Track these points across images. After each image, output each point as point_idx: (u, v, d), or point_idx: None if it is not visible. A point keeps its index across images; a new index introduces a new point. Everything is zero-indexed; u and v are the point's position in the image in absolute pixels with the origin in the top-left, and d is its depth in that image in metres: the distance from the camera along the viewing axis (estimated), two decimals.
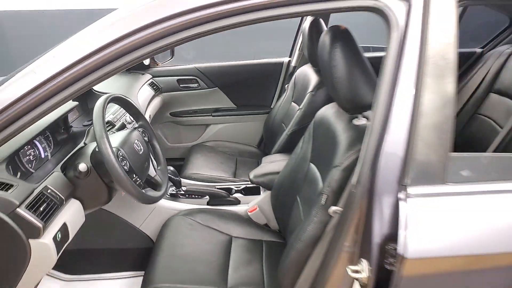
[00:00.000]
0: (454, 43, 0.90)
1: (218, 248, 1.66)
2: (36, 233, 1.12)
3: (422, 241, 0.87)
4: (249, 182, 2.03)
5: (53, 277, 1.88)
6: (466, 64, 2.53)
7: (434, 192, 0.90)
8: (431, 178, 0.90)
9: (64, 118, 1.62)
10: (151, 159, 1.58)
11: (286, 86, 2.63)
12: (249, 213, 1.92)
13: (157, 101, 2.65)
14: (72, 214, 1.30)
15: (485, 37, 2.53)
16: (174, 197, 2.03)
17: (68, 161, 1.39)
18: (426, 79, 0.90)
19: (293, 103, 2.34)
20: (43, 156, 1.45)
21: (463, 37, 2.56)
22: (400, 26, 0.92)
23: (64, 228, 1.24)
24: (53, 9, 4.68)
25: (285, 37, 2.90)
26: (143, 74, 2.70)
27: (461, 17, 2.48)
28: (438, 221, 0.88)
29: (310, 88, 2.07)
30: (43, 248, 1.14)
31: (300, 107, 2.10)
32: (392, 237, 0.91)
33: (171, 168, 1.97)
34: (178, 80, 2.82)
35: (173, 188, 2.04)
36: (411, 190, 0.89)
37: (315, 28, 2.10)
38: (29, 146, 1.38)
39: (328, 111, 1.48)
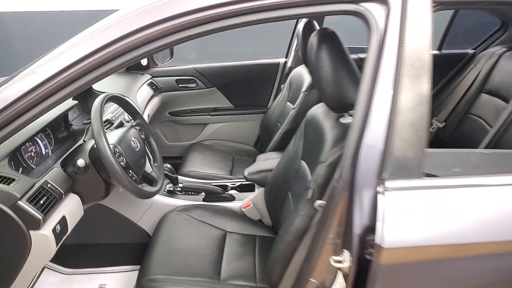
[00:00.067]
0: (429, 46, 0.95)
1: (213, 242, 1.71)
2: (36, 224, 1.18)
3: (398, 232, 0.92)
4: (245, 180, 2.08)
5: (53, 270, 1.94)
6: (458, 65, 2.58)
7: (410, 186, 0.95)
8: (408, 173, 0.95)
9: (64, 116, 1.68)
10: (147, 156, 1.64)
11: (282, 86, 2.69)
12: (243, 209, 1.98)
13: (156, 100, 2.71)
14: (71, 208, 1.36)
15: (478, 39, 2.58)
16: (171, 193, 2.08)
17: (68, 157, 1.45)
18: (403, 79, 0.95)
19: (288, 103, 2.40)
20: (44, 152, 1.51)
21: (456, 38, 2.63)
22: (380, 29, 0.97)
23: (63, 221, 1.30)
24: (55, 10, 4.73)
25: (285, 38, 2.96)
26: (142, 74, 2.76)
27: (453, 19, 2.54)
28: (413, 213, 0.94)
29: (304, 88, 2.12)
30: (43, 239, 1.20)
31: (294, 106, 2.16)
32: (371, 228, 0.96)
33: (168, 165, 2.03)
34: (176, 80, 2.88)
35: (170, 185, 2.10)
36: (388, 184, 0.94)
37: (308, 30, 2.15)
38: (30, 143, 1.44)
39: (318, 110, 1.53)
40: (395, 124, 0.95)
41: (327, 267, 1.08)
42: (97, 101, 1.41)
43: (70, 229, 1.36)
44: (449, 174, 0.97)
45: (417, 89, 0.95)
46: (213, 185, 2.13)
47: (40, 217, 1.18)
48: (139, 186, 1.44)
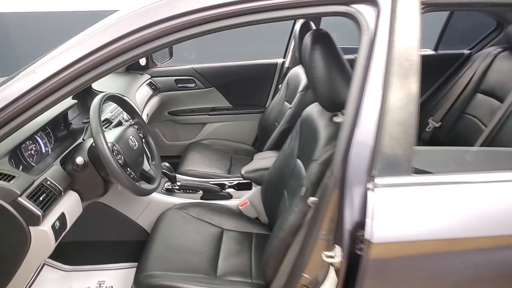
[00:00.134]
0: (417, 46, 0.98)
1: (210, 239, 1.74)
2: (35, 220, 1.21)
3: (386, 227, 0.95)
4: (242, 178, 2.11)
5: (53, 267, 1.97)
6: (454, 65, 2.61)
7: (399, 183, 0.98)
8: (397, 170, 0.98)
9: (64, 115, 1.71)
10: (145, 154, 1.66)
11: (279, 86, 2.72)
12: (240, 207, 2.00)
13: (155, 100, 2.74)
14: (70, 205, 1.39)
15: (474, 39, 2.60)
16: (169, 191, 2.11)
17: (67, 156, 1.48)
18: (392, 78, 0.97)
19: (285, 103, 2.43)
20: (44, 151, 1.54)
21: (452, 39, 2.65)
22: (370, 30, 1.00)
23: (62, 217, 1.32)
24: (56, 11, 4.77)
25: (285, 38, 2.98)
26: (142, 74, 2.79)
27: (448, 20, 2.56)
28: (402, 209, 0.96)
29: (300, 88, 2.15)
30: (42, 235, 1.23)
31: (291, 106, 2.19)
32: (361, 224, 0.98)
33: (167, 164, 2.06)
34: (175, 80, 2.91)
35: (169, 183, 2.13)
36: (378, 180, 0.97)
37: (304, 31, 2.18)
38: (30, 141, 1.47)
39: (313, 110, 1.56)
40: (384, 123, 0.97)
41: (320, 263, 1.10)
42: (96, 100, 1.44)
43: (69, 225, 1.39)
44: (437, 171, 1.00)
45: (406, 88, 0.98)
46: (211, 184, 2.16)
47: (40, 213, 1.20)
48: (137, 183, 1.46)
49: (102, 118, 1.83)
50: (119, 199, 1.98)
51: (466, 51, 2.61)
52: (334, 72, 1.24)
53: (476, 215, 0.95)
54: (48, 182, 1.31)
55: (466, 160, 1.03)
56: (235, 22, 0.99)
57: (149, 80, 2.77)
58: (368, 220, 0.95)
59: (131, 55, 1.04)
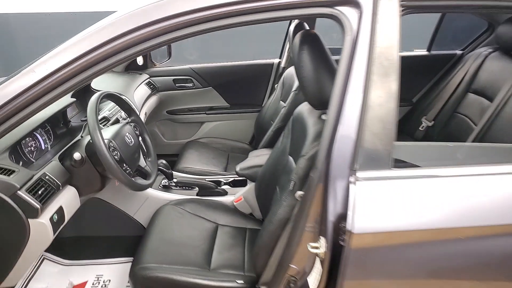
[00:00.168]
0: (397, 46, 1.03)
1: (205, 234, 1.79)
2: (34, 213, 1.26)
3: (367, 218, 1.00)
4: (237, 175, 2.16)
5: (53, 261, 2.02)
6: (447, 65, 2.65)
7: (380, 176, 1.02)
8: (378, 164, 1.03)
9: (63, 113, 1.77)
10: (141, 150, 1.72)
11: (275, 85, 2.77)
12: (234, 203, 2.05)
13: (153, 99, 2.79)
14: (68, 199, 1.44)
15: (466, 40, 2.65)
16: (166, 188, 2.16)
17: (65, 152, 1.54)
18: (373, 77, 1.02)
19: (281, 102, 2.48)
20: (43, 147, 1.59)
21: (446, 40, 2.70)
22: (353, 31, 1.05)
23: (60, 211, 1.38)
24: (58, 11, 4.82)
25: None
26: (140, 74, 2.84)
27: (441, 21, 2.61)
28: (382, 201, 1.01)
29: (294, 88, 2.20)
30: (41, 227, 1.29)
31: (285, 105, 2.24)
32: (344, 216, 1.03)
33: (163, 161, 2.11)
34: (174, 80, 2.96)
35: (166, 180, 2.18)
36: (359, 174, 1.02)
37: (297, 32, 2.22)
38: (30, 138, 1.53)
39: (303, 108, 1.61)
40: (365, 119, 1.02)
41: (307, 254, 1.15)
42: (93, 98, 1.49)
43: (67, 218, 1.44)
44: (416, 165, 1.05)
45: (386, 86, 1.02)
46: (207, 181, 2.21)
47: (38, 206, 1.26)
48: (133, 179, 1.52)
49: (100, 116, 1.88)
50: (117, 195, 2.03)
51: (459, 52, 2.65)
52: (321, 71, 1.29)
53: (452, 207, 1.00)
54: (46, 177, 1.36)
55: (444, 154, 1.08)
56: (222, 24, 1.04)
57: (148, 79, 2.82)
58: (349, 211, 1.00)
59: (126, 54, 1.08)
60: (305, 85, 1.31)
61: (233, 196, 2.11)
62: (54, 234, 1.35)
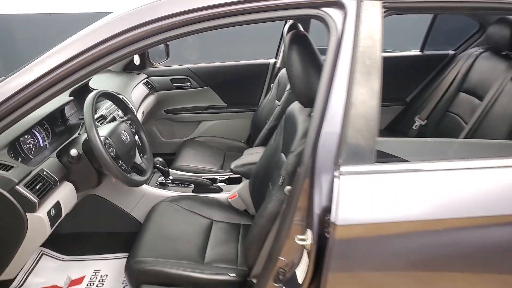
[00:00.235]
0: (379, 46, 1.07)
1: (199, 229, 1.83)
2: (32, 207, 1.31)
3: (349, 211, 1.04)
4: (232, 173, 2.20)
5: (51, 257, 2.06)
6: (440, 65, 2.70)
7: (363, 170, 1.06)
8: (361, 159, 1.07)
9: (61, 111, 1.81)
10: (137, 148, 1.76)
11: (271, 85, 2.81)
12: (229, 200, 2.10)
13: (151, 99, 2.84)
14: (65, 194, 1.49)
15: (458, 40, 2.69)
16: (162, 185, 2.21)
17: (63, 149, 1.58)
18: (356, 75, 1.07)
19: (276, 101, 2.52)
20: (41, 144, 1.64)
21: (437, 40, 2.74)
22: (338, 31, 1.09)
23: (57, 206, 1.43)
24: (57, 12, 4.87)
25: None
26: (138, 73, 2.89)
27: (433, 22, 2.66)
28: (364, 194, 1.05)
29: (288, 87, 2.24)
30: (38, 221, 1.33)
31: (279, 104, 2.28)
32: (329, 209, 1.07)
33: (160, 159, 2.16)
34: (171, 80, 3.01)
35: (162, 177, 2.22)
36: (343, 168, 1.06)
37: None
38: (29, 136, 1.57)
39: (295, 107, 1.66)
40: (349, 116, 1.06)
41: (295, 246, 1.19)
42: (90, 96, 1.54)
43: (64, 213, 1.48)
44: (398, 160, 1.09)
45: (369, 84, 1.07)
46: (203, 178, 2.25)
47: (36, 201, 1.30)
48: (128, 175, 1.56)
49: (98, 115, 1.93)
50: (115, 192, 2.07)
51: (451, 52, 2.70)
52: (310, 70, 1.34)
53: (431, 200, 1.04)
54: (44, 173, 1.41)
55: (424, 150, 1.12)
56: (210, 25, 1.08)
57: (146, 79, 2.87)
58: (333, 204, 1.04)
59: (121, 53, 1.13)
60: (294, 84, 1.36)
61: (228, 193, 2.16)
62: (51, 228, 1.39)
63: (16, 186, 1.28)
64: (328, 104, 1.08)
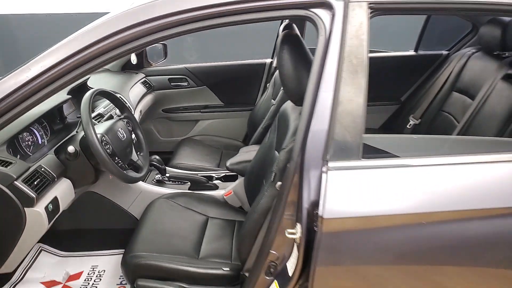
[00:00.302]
0: (365, 46, 1.10)
1: (195, 226, 1.86)
2: (30, 202, 1.34)
3: (336, 204, 1.07)
4: (228, 171, 2.24)
5: (50, 253, 2.10)
6: (433, 65, 2.73)
7: (349, 166, 1.10)
8: (347, 154, 1.10)
9: (59, 109, 1.85)
10: (134, 145, 1.80)
11: (267, 84, 2.85)
12: (224, 197, 2.13)
13: (149, 98, 2.88)
14: (62, 190, 1.52)
15: (452, 41, 2.73)
16: (159, 182, 2.25)
17: (61, 146, 1.62)
18: (343, 74, 1.10)
19: (272, 100, 2.56)
20: (40, 142, 1.68)
21: (431, 41, 2.77)
22: (326, 31, 1.13)
23: (55, 201, 1.46)
24: (58, 12, 4.90)
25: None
26: (136, 73, 2.93)
27: (426, 23, 2.69)
28: (351, 188, 1.09)
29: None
30: (37, 215, 1.37)
31: (274, 103, 2.32)
32: (317, 203, 1.11)
33: (157, 157, 2.19)
34: (169, 79, 3.05)
35: (159, 175, 2.26)
36: (331, 164, 1.09)
37: None
38: (28, 133, 1.61)
39: (288, 105, 1.69)
40: (336, 113, 1.10)
41: (285, 240, 1.23)
42: (87, 95, 1.58)
43: (62, 209, 1.52)
44: (384, 156, 1.12)
45: (355, 82, 1.10)
46: (199, 176, 2.29)
47: (34, 196, 1.34)
48: (125, 172, 1.60)
49: (95, 113, 1.97)
50: (112, 189, 2.11)
51: (445, 52, 2.73)
52: (300, 70, 1.37)
53: (416, 194, 1.08)
54: (42, 169, 1.44)
55: (409, 146, 1.16)
56: (202, 25, 1.12)
57: (144, 78, 2.91)
58: (321, 198, 1.08)
59: (117, 52, 1.17)
60: (286, 83, 1.39)
61: (224, 190, 2.19)
62: (49, 222, 1.43)
63: (15, 182, 1.31)
64: (317, 102, 1.12)
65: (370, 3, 1.11)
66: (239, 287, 1.55)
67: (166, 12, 1.13)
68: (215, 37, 4.61)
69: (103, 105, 2.10)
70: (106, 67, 2.84)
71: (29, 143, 1.61)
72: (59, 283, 1.94)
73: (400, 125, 2.77)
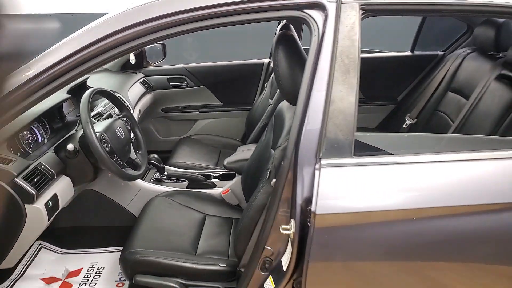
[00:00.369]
0: (357, 46, 1.13)
1: (192, 223, 1.89)
2: (30, 199, 1.37)
3: (329, 201, 1.10)
4: (226, 169, 2.27)
5: (50, 250, 2.13)
6: (429, 65, 2.76)
7: (342, 163, 1.13)
8: (340, 152, 1.13)
9: (59, 108, 1.88)
10: (132, 143, 1.83)
11: (265, 84, 2.88)
12: (222, 195, 2.16)
13: (148, 97, 2.91)
14: (62, 187, 1.55)
15: (448, 41, 2.76)
16: (158, 181, 2.27)
17: (60, 144, 1.65)
18: (335, 73, 1.13)
19: (270, 100, 2.58)
20: (40, 140, 1.71)
21: (427, 41, 2.80)
22: (319, 31, 1.16)
23: (54, 198, 1.49)
24: (59, 13, 4.93)
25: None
26: (136, 73, 2.95)
27: (422, 23, 2.72)
28: (343, 185, 1.12)
29: None
30: (37, 212, 1.40)
31: (272, 102, 2.35)
32: (311, 199, 1.14)
33: (155, 155, 2.22)
34: (168, 79, 3.08)
35: (157, 174, 2.29)
36: (324, 161, 1.12)
37: None
38: (28, 132, 1.64)
39: (284, 104, 1.72)
40: (329, 112, 1.13)
41: (280, 236, 1.26)
42: (86, 94, 1.61)
43: (61, 206, 1.55)
44: (375, 154, 1.15)
45: (347, 82, 1.13)
46: (197, 174, 2.32)
47: (34, 193, 1.37)
48: (123, 170, 1.63)
49: (95, 112, 2.00)
50: (111, 187, 2.14)
51: (440, 53, 2.76)
52: (295, 69, 1.40)
53: (406, 190, 1.11)
54: (42, 166, 1.47)
55: (400, 144, 1.19)
56: (196, 26, 1.15)
57: (143, 78, 2.93)
58: (314, 195, 1.11)
59: (115, 52, 1.20)
60: (281, 82, 1.42)
61: (221, 189, 2.22)
62: (49, 219, 1.46)
63: (15, 179, 1.34)
64: (310, 101, 1.15)
65: (362, 5, 1.14)
66: (236, 283, 1.58)
67: (164, 13, 1.16)
68: (214, 37, 4.64)
69: (102, 104, 2.13)
70: (105, 66, 2.87)
71: (29, 141, 1.63)
72: (59, 279, 1.96)
73: (396, 124, 2.80)
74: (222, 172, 2.38)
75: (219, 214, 1.99)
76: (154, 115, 3.17)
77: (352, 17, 1.14)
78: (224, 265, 1.59)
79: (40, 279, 1.95)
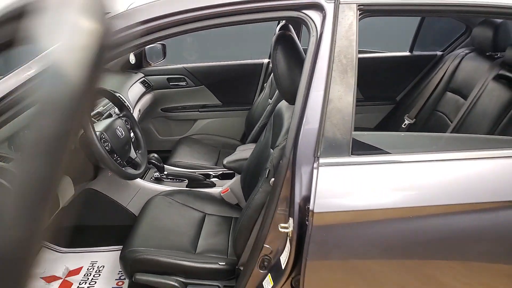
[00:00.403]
0: (354, 46, 1.15)
1: (192, 222, 1.90)
2: None
3: (327, 199, 1.12)
4: (225, 169, 2.28)
5: (50, 249, 2.14)
6: (428, 65, 2.77)
7: (339, 162, 1.14)
8: (338, 151, 1.14)
9: None
10: (132, 143, 1.84)
11: (265, 84, 2.89)
12: (222, 194, 2.17)
13: (147, 97, 2.92)
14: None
15: (446, 41, 2.77)
16: (157, 180, 2.29)
17: None
18: (333, 73, 1.14)
19: (269, 100, 2.60)
20: None
21: (426, 41, 2.82)
22: (317, 32, 1.17)
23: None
24: None
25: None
26: (136, 73, 2.97)
27: (421, 24, 2.74)
28: (340, 184, 1.13)
29: None
30: None
31: (271, 102, 2.36)
32: (309, 198, 1.15)
33: (155, 155, 2.24)
34: (168, 79, 3.09)
35: (157, 173, 2.30)
36: (322, 160, 1.13)
37: None
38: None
39: (283, 104, 1.73)
40: (327, 111, 1.14)
41: (278, 234, 1.27)
42: None
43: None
44: (373, 153, 1.17)
45: (345, 82, 1.14)
46: (197, 174, 2.33)
47: None
48: (123, 169, 1.64)
49: (95, 112, 2.01)
50: (111, 186, 2.15)
51: (439, 53, 2.77)
52: (294, 69, 1.41)
53: (403, 188, 1.12)
54: None
55: (397, 143, 1.20)
56: (196, 26, 1.17)
57: (143, 78, 2.94)
58: (312, 193, 1.12)
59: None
60: (279, 82, 1.44)
61: (221, 188, 2.23)
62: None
63: None
64: (308, 100, 1.16)
65: (359, 5, 1.15)
66: (235, 281, 1.59)
67: (165, 13, 1.17)
68: (214, 37, 4.65)
69: (102, 104, 2.14)
70: (105, 66, 2.87)
71: None
72: (59, 278, 1.98)
73: (395, 124, 2.81)
74: (221, 172, 2.40)
75: (219, 213, 2.00)
76: (154, 114, 3.18)
77: (349, 17, 1.16)
78: (224, 263, 1.60)
79: (41, 278, 1.96)
